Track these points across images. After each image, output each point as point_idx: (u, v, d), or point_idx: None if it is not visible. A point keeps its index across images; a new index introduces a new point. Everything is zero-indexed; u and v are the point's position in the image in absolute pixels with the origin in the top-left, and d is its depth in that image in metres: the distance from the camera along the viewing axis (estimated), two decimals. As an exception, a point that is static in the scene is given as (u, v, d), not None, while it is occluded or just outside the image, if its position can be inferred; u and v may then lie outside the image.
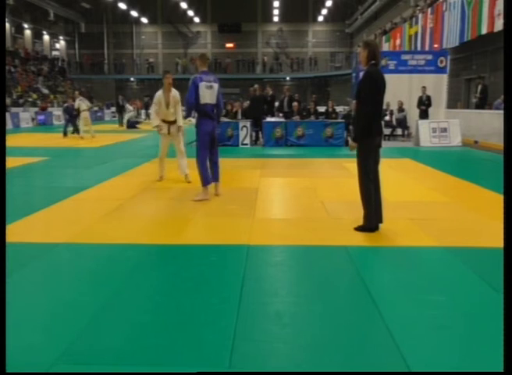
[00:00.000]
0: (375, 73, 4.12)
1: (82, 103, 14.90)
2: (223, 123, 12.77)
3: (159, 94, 6.76)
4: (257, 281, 3.15)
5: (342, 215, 4.99)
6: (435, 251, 3.78)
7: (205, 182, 5.75)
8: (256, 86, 13.93)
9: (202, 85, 5.53)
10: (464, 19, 14.91)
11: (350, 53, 36.25)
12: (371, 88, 4.08)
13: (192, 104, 5.61)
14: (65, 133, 15.60)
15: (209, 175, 5.79)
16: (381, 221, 4.28)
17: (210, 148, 5.86)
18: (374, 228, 4.24)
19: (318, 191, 6.25)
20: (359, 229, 4.26)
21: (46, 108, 25.41)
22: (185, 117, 6.40)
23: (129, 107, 22.83)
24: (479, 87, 14.51)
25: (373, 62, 4.13)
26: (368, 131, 4.12)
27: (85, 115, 14.71)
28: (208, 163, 5.91)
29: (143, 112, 29.22)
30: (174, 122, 6.84)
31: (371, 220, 4.21)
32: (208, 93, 5.60)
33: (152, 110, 6.98)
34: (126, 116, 21.59)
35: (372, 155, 4.20)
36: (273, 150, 11.58)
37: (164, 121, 6.80)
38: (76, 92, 19.40)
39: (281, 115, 13.67)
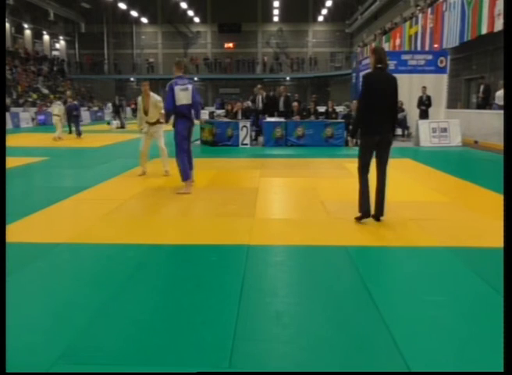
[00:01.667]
0: (370, 77, 4.50)
1: (55, 108, 15.30)
2: (223, 123, 12.82)
3: (139, 100, 7.56)
4: (257, 281, 3.15)
5: (342, 215, 4.99)
6: (435, 251, 3.78)
7: (185, 177, 6.25)
8: (280, 88, 14.84)
9: (177, 89, 6.12)
10: (464, 19, 14.91)
11: (350, 53, 36.30)
12: (363, 91, 4.45)
13: (170, 109, 6.21)
14: (78, 134, 15.61)
15: (188, 171, 6.30)
16: (368, 215, 4.57)
17: (187, 142, 6.50)
18: (366, 213, 4.55)
19: (318, 191, 6.25)
20: (357, 218, 4.59)
21: (41, 108, 25.39)
22: (166, 122, 6.90)
23: (113, 122, 22.93)
24: (482, 87, 14.51)
25: (379, 65, 4.45)
26: (356, 130, 4.63)
27: (55, 119, 14.96)
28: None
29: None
30: (154, 123, 7.48)
31: (363, 207, 4.55)
32: (183, 94, 6.15)
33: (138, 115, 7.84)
34: (114, 124, 21.69)
35: (369, 151, 4.51)
36: (273, 150, 11.57)
37: (146, 122, 7.52)
38: (68, 92, 19.39)
39: (275, 114, 13.64)
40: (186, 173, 6.24)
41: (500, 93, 13.74)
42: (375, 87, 4.40)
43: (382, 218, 4.59)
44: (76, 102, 16.79)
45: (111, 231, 4.36)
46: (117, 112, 22.93)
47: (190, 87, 6.23)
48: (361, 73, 16.99)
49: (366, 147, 4.51)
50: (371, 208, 4.56)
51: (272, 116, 13.29)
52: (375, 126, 4.42)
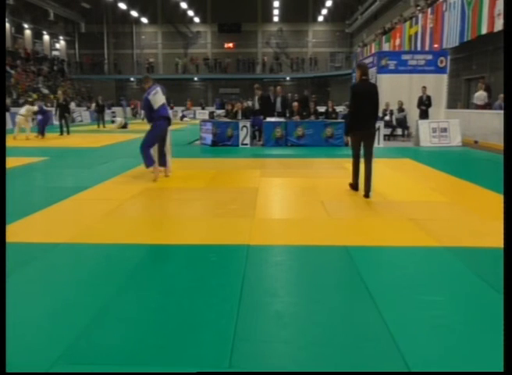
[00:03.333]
0: (356, 87, 5.92)
1: (23, 109, 15.48)
2: (223, 123, 12.81)
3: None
4: (257, 281, 3.15)
5: (342, 215, 5.00)
6: (435, 251, 3.78)
7: (149, 163, 7.07)
8: (279, 87, 14.61)
9: (150, 97, 6.89)
10: (464, 19, 14.91)
11: (350, 53, 36.30)
12: (352, 98, 5.79)
13: (147, 116, 7.23)
14: (40, 133, 15.56)
15: (152, 159, 7.08)
16: (357, 189, 6.04)
17: (161, 141, 7.17)
18: (354, 186, 6.06)
19: (318, 191, 6.25)
20: (350, 185, 6.14)
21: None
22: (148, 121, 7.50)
23: (117, 119, 22.78)
24: (482, 87, 14.55)
25: (364, 77, 5.81)
26: (349, 126, 5.94)
27: (21, 119, 15.05)
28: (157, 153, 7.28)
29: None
30: None
31: (353, 181, 6.08)
32: (157, 97, 6.93)
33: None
34: (116, 125, 21.53)
35: (357, 142, 5.88)
36: (273, 150, 11.57)
37: None
38: (59, 91, 19.38)
39: (275, 114, 13.60)
40: (149, 160, 7.02)
41: (479, 94, 14.53)
42: (361, 94, 5.73)
43: (370, 194, 5.74)
44: (41, 105, 16.82)
45: (111, 231, 4.36)
46: (100, 112, 22.02)
47: (158, 88, 6.96)
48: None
49: (355, 139, 5.90)
50: (359, 185, 5.99)
51: (267, 116, 13.21)
52: (361, 124, 5.74)
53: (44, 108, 16.90)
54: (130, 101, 33.03)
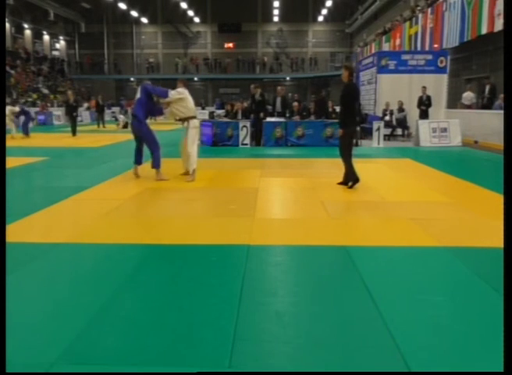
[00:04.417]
0: (351, 87, 6.36)
1: (6, 110, 15.51)
2: (223, 123, 12.80)
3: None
4: (257, 281, 3.15)
5: (342, 215, 5.00)
6: (435, 251, 3.78)
7: (134, 161, 7.28)
8: (279, 88, 14.71)
9: None
10: (464, 19, 14.91)
11: (350, 53, 36.29)
12: (348, 98, 6.20)
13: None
14: (26, 133, 15.74)
15: (136, 159, 7.25)
16: (359, 180, 6.30)
17: (140, 140, 7.19)
18: (358, 179, 6.24)
19: (318, 191, 6.25)
20: (352, 186, 6.27)
21: (44, 108, 25.46)
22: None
23: (120, 116, 22.81)
24: (487, 87, 14.54)
25: (351, 78, 6.31)
26: (345, 122, 6.24)
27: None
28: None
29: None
30: (184, 119, 7.30)
31: (354, 176, 6.26)
32: (136, 97, 7.12)
33: None
34: (120, 124, 21.54)
35: (351, 138, 6.46)
36: (273, 150, 11.56)
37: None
38: (69, 92, 19.43)
39: (275, 114, 13.57)
40: (135, 159, 7.24)
41: (466, 95, 14.99)
42: (352, 94, 6.27)
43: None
44: (22, 107, 17.09)
45: (111, 231, 4.36)
46: (100, 112, 21.88)
47: (138, 89, 7.12)
48: (361, 73, 17.00)
49: (350, 135, 6.38)
50: (359, 177, 6.30)
51: (265, 115, 13.14)
52: (354, 121, 6.48)
53: (26, 109, 17.10)
54: (130, 101, 33.06)
